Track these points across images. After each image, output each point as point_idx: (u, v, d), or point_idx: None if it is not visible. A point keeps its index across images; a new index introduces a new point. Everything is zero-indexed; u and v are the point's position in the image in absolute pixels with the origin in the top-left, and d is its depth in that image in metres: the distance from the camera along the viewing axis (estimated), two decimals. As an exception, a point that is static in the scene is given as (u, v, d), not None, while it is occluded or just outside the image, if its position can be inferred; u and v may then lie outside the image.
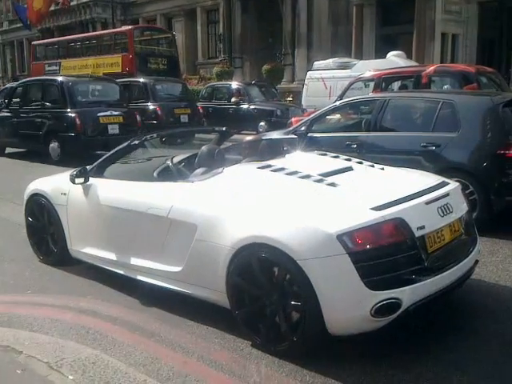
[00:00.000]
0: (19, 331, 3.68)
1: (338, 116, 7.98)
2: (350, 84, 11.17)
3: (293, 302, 3.21)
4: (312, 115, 7.71)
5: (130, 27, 26.48)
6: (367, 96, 8.41)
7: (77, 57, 27.33)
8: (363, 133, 6.72)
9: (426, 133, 6.14)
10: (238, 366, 3.22)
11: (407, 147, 6.16)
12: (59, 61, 27.98)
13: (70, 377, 2.99)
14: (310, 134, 7.07)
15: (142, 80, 17.39)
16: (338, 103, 7.89)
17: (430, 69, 9.74)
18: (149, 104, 16.33)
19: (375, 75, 10.57)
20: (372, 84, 10.53)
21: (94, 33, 31.61)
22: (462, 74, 9.52)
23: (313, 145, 6.38)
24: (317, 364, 3.18)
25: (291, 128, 7.68)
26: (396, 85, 10.58)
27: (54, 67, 28.01)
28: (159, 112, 16.02)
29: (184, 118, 16.31)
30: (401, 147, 6.22)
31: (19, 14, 44.05)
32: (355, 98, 7.96)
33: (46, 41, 32.41)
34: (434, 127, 6.10)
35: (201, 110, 17.22)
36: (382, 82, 10.29)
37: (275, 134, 7.26)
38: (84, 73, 24.93)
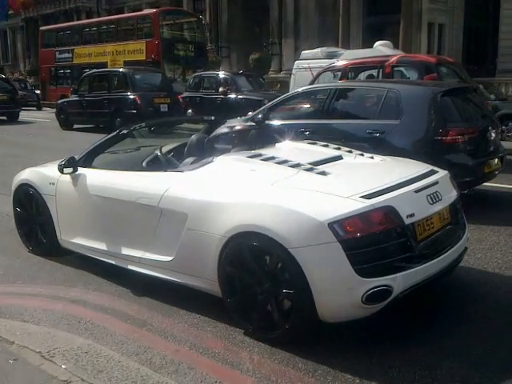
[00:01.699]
0: (10, 321, 3.67)
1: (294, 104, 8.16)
2: (319, 74, 11.26)
3: (284, 290, 3.23)
4: (268, 104, 7.95)
5: (154, 10, 23.97)
6: (319, 85, 8.82)
7: (92, 43, 25.64)
8: (315, 120, 6.97)
9: (371, 120, 6.44)
10: (230, 353, 3.24)
11: (355, 134, 6.40)
12: (72, 48, 26.40)
13: (63, 366, 2.99)
14: (266, 122, 7.16)
15: (121, 70, 17.65)
16: (291, 92, 8.20)
17: (393, 59, 9.89)
18: (128, 94, 16.39)
19: (342, 65, 10.71)
20: (339, 74, 10.66)
21: (113, 17, 28.78)
22: (423, 65, 9.66)
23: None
24: (309, 351, 3.21)
25: (250, 116, 7.84)
26: (363, 75, 10.71)
27: (66, 54, 26.56)
28: (138, 102, 16.06)
29: (164, 108, 16.36)
30: (349, 134, 6.45)
31: None
32: (308, 87, 8.31)
33: (56, 26, 30.48)
34: (379, 115, 6.39)
35: (180, 100, 17.22)
36: (349, 71, 10.45)
37: (236, 122, 7.17)
38: (101, 60, 23.74)
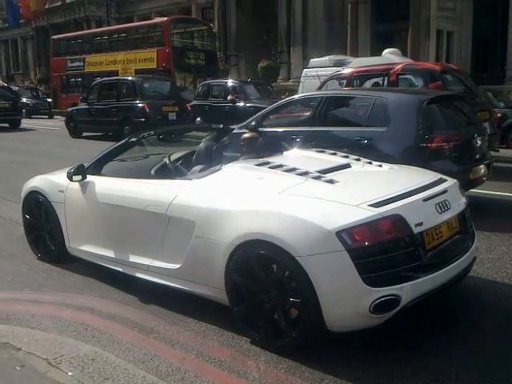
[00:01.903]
0: (18, 328, 3.68)
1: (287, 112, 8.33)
2: (324, 82, 11.32)
3: (291, 299, 3.21)
4: (262, 111, 8.07)
5: (165, 18, 23.77)
6: (311, 93, 8.91)
7: (103, 52, 25.67)
8: (306, 127, 7.05)
9: (360, 127, 6.56)
10: (236, 362, 3.23)
11: (344, 141, 6.44)
12: (83, 56, 26.41)
13: (70, 373, 2.99)
14: (259, 129, 7.23)
15: (130, 78, 17.79)
16: (283, 100, 8.31)
17: (398, 67, 9.92)
18: (137, 102, 16.45)
19: (348, 73, 10.76)
20: (345, 82, 10.71)
21: (124, 25, 29.00)
22: (428, 72, 9.68)
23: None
24: (315, 360, 3.19)
25: (244, 123, 7.91)
26: (368, 83, 10.76)
27: (78, 63, 26.57)
28: (147, 110, 16.08)
29: (172, 116, 16.37)
30: (338, 141, 6.51)
31: (9, 9, 43.51)
32: (301, 95, 8.61)
33: (67, 35, 30.36)
34: (367, 122, 6.53)
35: (189, 108, 17.28)
36: (354, 79, 10.49)
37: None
38: (112, 69, 23.73)
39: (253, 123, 7.62)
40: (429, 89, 9.19)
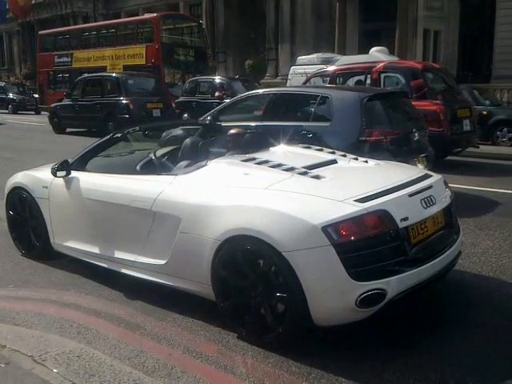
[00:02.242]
0: (2, 325, 3.64)
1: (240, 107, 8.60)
2: (308, 79, 11.50)
3: (278, 294, 3.21)
4: (218, 106, 8.65)
5: (155, 14, 23.77)
6: (263, 90, 9.31)
7: (91, 47, 25.51)
8: (258, 122, 7.39)
9: (306, 122, 6.85)
10: (223, 357, 3.22)
11: (291, 135, 6.52)
12: (71, 52, 26.25)
13: (55, 370, 2.96)
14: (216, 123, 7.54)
15: (114, 75, 17.74)
16: (239, 96, 8.75)
17: (380, 65, 10.17)
18: (121, 98, 16.46)
19: (331, 71, 10.98)
20: (328, 79, 10.93)
21: (113, 21, 28.78)
22: (410, 70, 9.95)
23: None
24: (303, 354, 3.19)
25: (202, 117, 8.38)
26: (351, 80, 10.92)
27: (65, 59, 26.39)
28: (131, 106, 16.11)
29: (156, 113, 16.42)
30: (286, 135, 6.48)
31: None
32: (254, 91, 9.03)
33: (55, 30, 30.07)
34: (313, 117, 6.90)
35: (173, 105, 17.27)
36: (337, 77, 10.72)
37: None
38: (100, 65, 23.64)
39: (208, 118, 8.10)
40: (411, 86, 9.55)
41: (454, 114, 9.74)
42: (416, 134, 6.93)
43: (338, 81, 10.75)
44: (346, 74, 10.83)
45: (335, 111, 6.64)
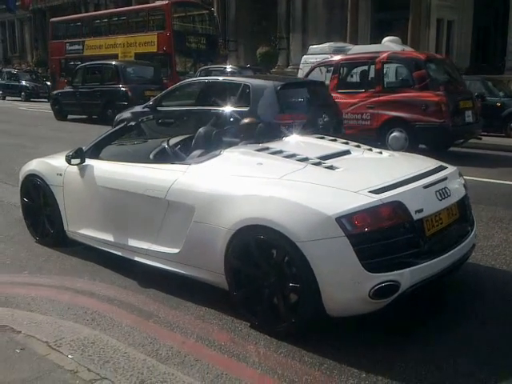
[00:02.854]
0: (17, 311, 3.68)
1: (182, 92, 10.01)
2: (312, 68, 11.77)
3: (291, 284, 3.22)
4: (162, 93, 10.08)
5: (166, 2, 23.24)
6: (197, 78, 11.13)
7: (103, 35, 25.39)
8: (191, 107, 8.63)
9: (231, 107, 7.83)
10: (236, 346, 3.24)
11: (217, 118, 7.23)
12: (82, 39, 26.13)
13: (70, 356, 3.00)
14: (157, 108, 9.36)
15: (113, 63, 17.89)
16: (178, 84, 10.16)
17: (383, 55, 10.27)
18: (120, 86, 16.74)
19: (335, 61, 11.17)
20: (332, 69, 11.18)
21: (124, 8, 28.22)
22: (413, 61, 10.05)
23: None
24: (315, 345, 3.20)
25: (147, 103, 9.91)
26: (356, 70, 11.09)
27: (77, 46, 26.32)
28: (129, 94, 16.34)
29: None
30: (214, 118, 7.68)
31: None
32: (189, 80, 10.47)
33: (66, 18, 29.76)
34: (236, 103, 7.99)
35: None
36: (341, 67, 10.92)
37: (137, 108, 10.00)
38: (112, 52, 23.61)
39: (151, 103, 9.70)
40: (413, 77, 9.82)
41: (456, 106, 9.81)
42: (325, 119, 8.10)
43: (341, 71, 10.92)
44: (350, 63, 10.98)
45: (253, 98, 7.85)
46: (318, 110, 8.32)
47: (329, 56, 12.78)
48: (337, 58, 11.44)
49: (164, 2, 23.45)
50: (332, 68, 11.10)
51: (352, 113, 10.27)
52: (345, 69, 11.01)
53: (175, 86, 9.82)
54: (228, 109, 7.65)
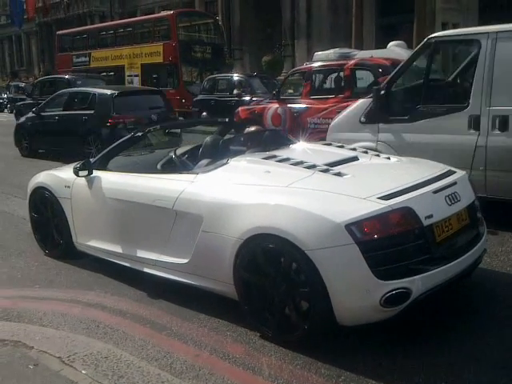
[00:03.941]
0: (29, 326, 3.68)
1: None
2: (287, 77, 12.21)
3: (301, 292, 3.20)
4: (45, 100, 13.09)
5: (171, 12, 23.42)
6: (66, 90, 13.05)
7: (109, 47, 25.38)
8: (61, 112, 11.86)
9: (84, 111, 11.32)
10: (251, 358, 3.20)
11: (74, 120, 11.35)
12: (89, 51, 26.16)
13: (83, 371, 2.98)
14: (40, 113, 12.38)
15: (66, 77, 16.94)
16: (55, 94, 12.99)
17: (351, 62, 10.56)
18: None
19: (307, 68, 11.46)
20: (304, 77, 11.36)
21: (130, 19, 28.71)
22: (379, 67, 10.22)
23: (40, 120, 12.39)
24: (332, 356, 3.15)
25: (33, 109, 12.98)
26: (330, 77, 11.29)
27: (83, 58, 26.32)
28: None
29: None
30: (72, 120, 11.45)
31: (14, 8, 43.52)
32: (62, 91, 12.94)
33: (72, 30, 29.91)
34: (87, 107, 11.29)
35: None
36: (313, 74, 11.15)
37: (29, 114, 12.97)
38: (118, 64, 23.69)
39: (34, 109, 12.63)
40: (379, 82, 9.65)
41: None
42: (154, 118, 10.79)
43: (313, 78, 11.17)
44: (320, 71, 11.30)
45: (96, 103, 11.15)
46: (149, 112, 11.25)
47: (305, 64, 13.13)
48: (309, 65, 11.80)
49: (169, 12, 23.56)
50: (305, 75, 11.36)
51: (324, 117, 10.46)
52: (316, 76, 11.34)
53: (54, 96, 12.70)
54: (82, 112, 11.25)
